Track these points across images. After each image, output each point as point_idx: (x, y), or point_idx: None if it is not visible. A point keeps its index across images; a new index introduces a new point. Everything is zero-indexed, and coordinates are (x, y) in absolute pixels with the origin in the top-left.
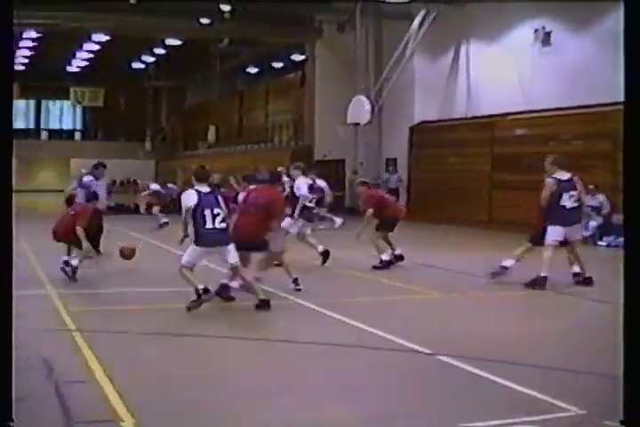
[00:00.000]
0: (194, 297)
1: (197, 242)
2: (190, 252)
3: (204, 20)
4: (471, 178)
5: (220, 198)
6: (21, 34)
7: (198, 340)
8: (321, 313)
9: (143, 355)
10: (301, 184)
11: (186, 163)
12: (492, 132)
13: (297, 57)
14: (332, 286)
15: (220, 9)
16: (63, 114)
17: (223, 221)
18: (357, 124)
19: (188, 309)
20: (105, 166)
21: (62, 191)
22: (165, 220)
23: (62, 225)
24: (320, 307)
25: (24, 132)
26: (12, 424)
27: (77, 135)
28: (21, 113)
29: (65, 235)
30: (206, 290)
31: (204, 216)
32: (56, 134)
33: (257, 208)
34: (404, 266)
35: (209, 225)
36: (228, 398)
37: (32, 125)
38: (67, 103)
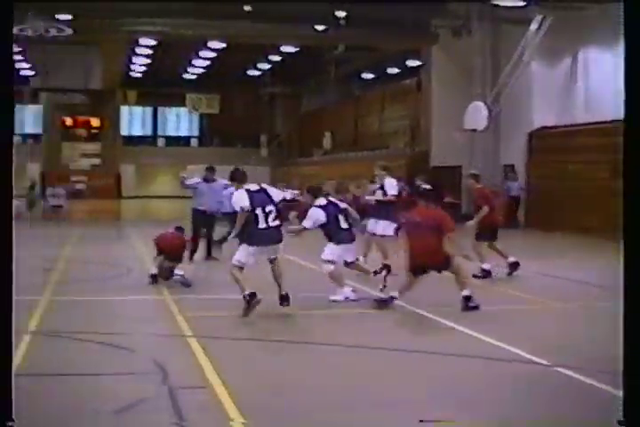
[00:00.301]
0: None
1: (249, 241)
2: (242, 251)
3: (320, 27)
4: (590, 185)
5: (271, 196)
6: (138, 42)
7: (312, 347)
8: (436, 321)
9: (257, 361)
10: (392, 184)
11: (301, 169)
12: (613, 139)
13: (413, 62)
14: (447, 293)
15: (334, 15)
16: (180, 121)
17: (276, 218)
18: (474, 130)
19: (244, 315)
20: (213, 170)
21: (178, 198)
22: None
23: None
24: (435, 315)
25: (141, 139)
26: (12, 424)
27: (194, 142)
28: (138, 120)
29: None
30: (252, 295)
31: (256, 215)
32: (173, 141)
33: (429, 230)
34: (520, 274)
35: (262, 224)
36: (343, 406)
37: (149, 132)
38: (183, 110)
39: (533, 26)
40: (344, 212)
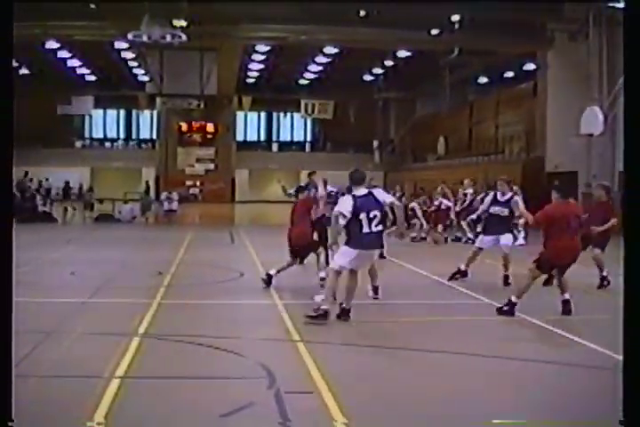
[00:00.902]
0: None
1: (352, 244)
2: (343, 254)
3: (434, 31)
4: None
5: (379, 200)
6: (254, 48)
7: (421, 354)
8: (547, 330)
9: (365, 367)
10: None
11: (415, 175)
12: None
13: (528, 67)
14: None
15: (449, 19)
16: (294, 126)
17: (380, 223)
18: (591, 135)
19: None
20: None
21: (292, 203)
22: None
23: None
24: (546, 323)
25: (255, 144)
26: (12, 425)
27: (307, 147)
28: (253, 125)
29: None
30: (325, 313)
31: (360, 220)
32: (286, 146)
33: (572, 224)
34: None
35: (365, 229)
36: (448, 416)
37: (263, 137)
38: (297, 115)
39: None
40: (380, 210)
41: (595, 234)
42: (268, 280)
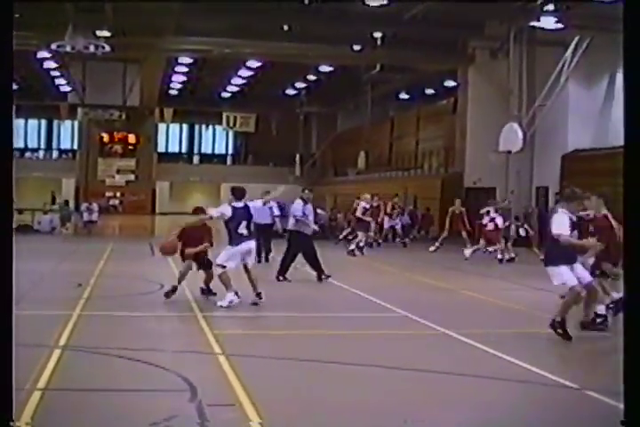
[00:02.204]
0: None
1: (233, 243)
2: (227, 253)
3: (357, 47)
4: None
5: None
6: (177, 60)
7: (341, 367)
8: (465, 343)
9: (286, 379)
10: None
11: (335, 189)
12: None
13: (449, 83)
14: (479, 315)
15: (372, 35)
16: (215, 139)
17: (246, 228)
18: (509, 151)
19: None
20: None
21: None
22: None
23: None
24: (464, 337)
25: (177, 156)
26: (12, 425)
27: (228, 160)
28: (175, 137)
29: None
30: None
31: (238, 225)
32: (208, 158)
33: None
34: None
35: (240, 231)
36: (367, 425)
37: (185, 150)
38: (219, 128)
39: (570, 48)
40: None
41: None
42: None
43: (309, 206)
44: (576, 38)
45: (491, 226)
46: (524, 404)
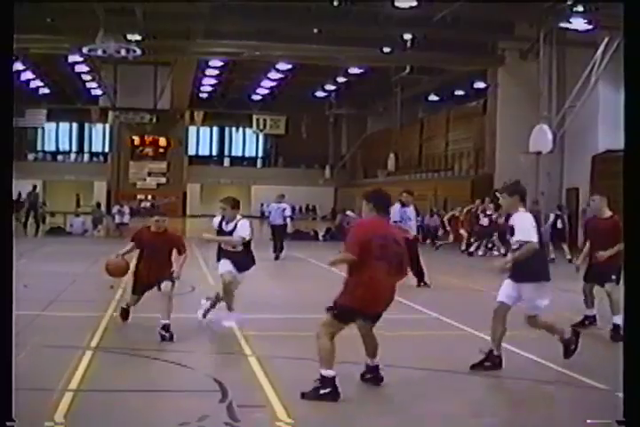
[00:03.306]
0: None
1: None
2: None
3: (386, 49)
4: None
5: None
6: (207, 63)
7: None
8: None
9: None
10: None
11: (365, 190)
12: None
13: (479, 85)
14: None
15: (402, 37)
16: (246, 141)
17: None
18: (539, 152)
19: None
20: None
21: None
22: None
23: None
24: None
25: (207, 159)
26: (12, 425)
27: (259, 162)
28: (205, 140)
29: None
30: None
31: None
32: (238, 161)
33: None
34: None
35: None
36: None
37: (215, 152)
38: (249, 130)
39: (600, 48)
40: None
41: (601, 262)
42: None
43: (408, 209)
44: (606, 39)
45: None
46: (555, 405)
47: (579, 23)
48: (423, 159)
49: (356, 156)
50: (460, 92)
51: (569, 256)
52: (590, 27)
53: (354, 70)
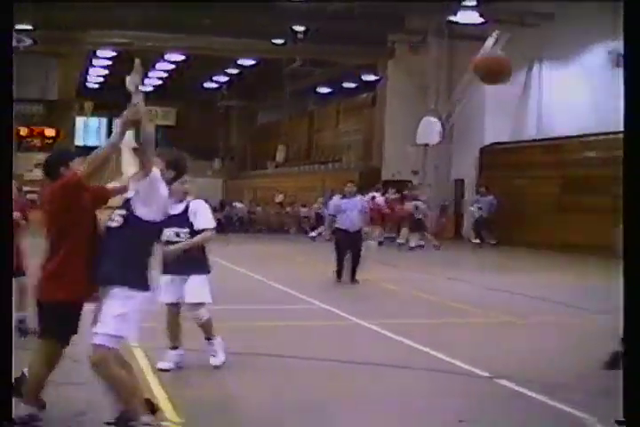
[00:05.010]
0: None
1: None
2: None
3: (278, 41)
4: (541, 200)
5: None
6: (96, 53)
7: (255, 359)
8: (378, 333)
9: (202, 373)
10: None
11: (254, 182)
12: (563, 155)
13: (369, 77)
14: (392, 305)
15: (293, 29)
16: None
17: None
18: (427, 144)
19: None
20: None
21: None
22: None
23: None
24: (377, 327)
25: (93, 150)
26: (11, 424)
27: None
28: (93, 131)
29: None
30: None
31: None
32: None
33: None
34: (471, 289)
35: None
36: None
37: (104, 143)
38: None
39: (489, 42)
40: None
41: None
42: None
43: (352, 201)
44: (495, 33)
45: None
46: (435, 392)
47: (468, 17)
48: (313, 151)
49: (246, 147)
50: (350, 85)
51: (435, 243)
52: (480, 20)
53: (245, 62)
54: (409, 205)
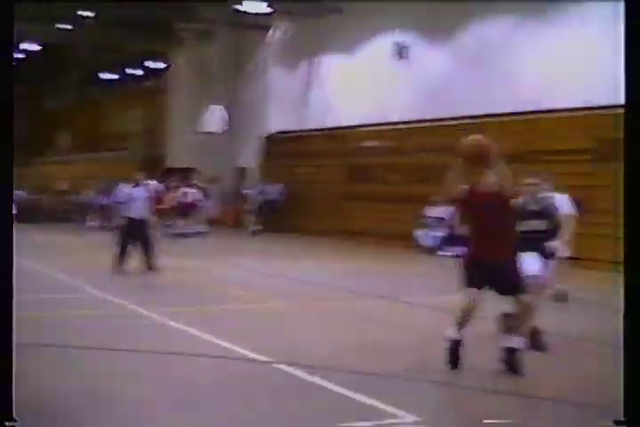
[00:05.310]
0: None
1: None
2: None
3: (64, 26)
4: (324, 189)
5: None
6: None
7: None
8: (160, 322)
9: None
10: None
11: (37, 169)
12: (345, 144)
13: (157, 64)
14: (176, 294)
15: (80, 15)
16: None
17: None
18: (211, 133)
19: None
20: None
21: None
22: None
23: None
24: (160, 315)
25: None
26: (12, 425)
27: None
28: None
29: None
30: None
31: None
32: None
33: None
34: (250, 276)
35: None
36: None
37: None
38: None
39: (275, 32)
40: None
41: None
42: None
43: (140, 189)
44: (281, 23)
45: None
46: (218, 379)
47: (254, 6)
48: (98, 138)
49: (31, 134)
50: (137, 72)
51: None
52: (267, 10)
53: (30, 46)
54: (178, 192)
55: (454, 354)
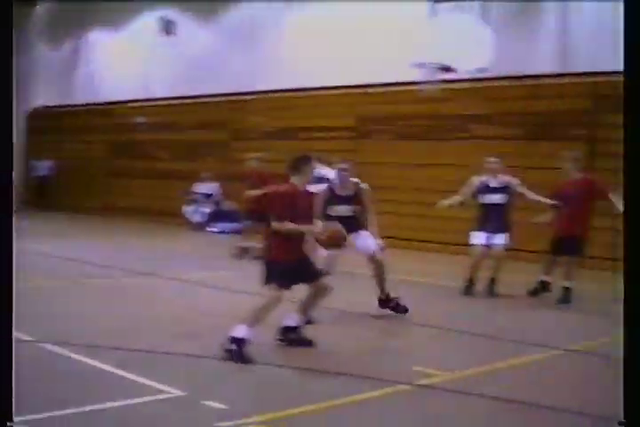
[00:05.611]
0: None
1: None
2: None
3: None
4: (91, 165)
5: None
6: None
7: None
8: None
9: None
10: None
11: None
12: (112, 120)
13: None
14: None
15: None
16: None
17: None
18: None
19: None
20: None
21: None
22: None
23: None
24: None
25: None
26: (11, 424)
27: None
28: None
29: None
30: None
31: None
32: None
33: None
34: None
35: None
36: None
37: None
38: None
39: (40, 7)
40: None
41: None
42: None
43: None
44: None
45: None
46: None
47: None
48: None
49: None
50: None
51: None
52: None
53: None
54: None
55: (241, 355)
